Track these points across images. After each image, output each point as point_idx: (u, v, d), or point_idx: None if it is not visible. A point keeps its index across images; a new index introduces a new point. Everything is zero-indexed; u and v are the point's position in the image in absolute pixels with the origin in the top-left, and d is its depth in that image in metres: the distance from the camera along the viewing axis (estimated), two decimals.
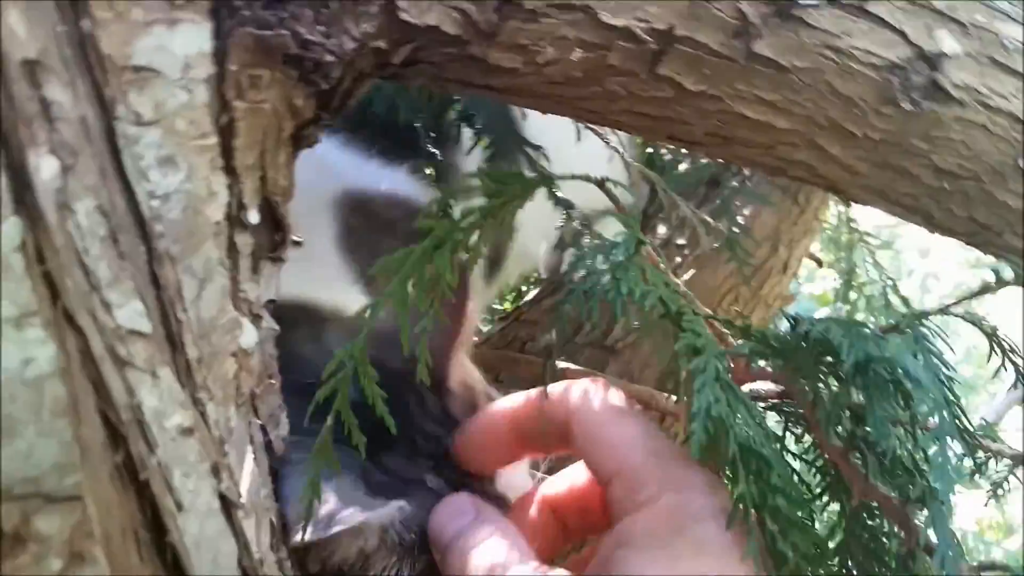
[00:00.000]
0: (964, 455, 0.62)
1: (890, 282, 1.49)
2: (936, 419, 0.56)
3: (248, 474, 0.44)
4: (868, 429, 0.53)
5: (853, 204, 1.57)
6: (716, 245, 0.84)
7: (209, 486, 0.39)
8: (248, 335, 0.45)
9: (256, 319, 0.47)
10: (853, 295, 1.50)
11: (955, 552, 0.52)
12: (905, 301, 1.34)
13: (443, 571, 0.53)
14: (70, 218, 0.33)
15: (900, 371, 0.55)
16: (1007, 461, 0.76)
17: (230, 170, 0.42)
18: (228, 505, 0.40)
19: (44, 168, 0.31)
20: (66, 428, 0.30)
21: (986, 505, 0.77)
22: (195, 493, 0.38)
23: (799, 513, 0.49)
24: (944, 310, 0.65)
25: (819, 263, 1.42)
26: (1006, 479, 0.74)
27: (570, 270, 0.57)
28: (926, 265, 3.97)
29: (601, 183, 0.86)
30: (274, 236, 0.49)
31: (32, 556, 0.30)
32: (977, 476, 0.74)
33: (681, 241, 1.13)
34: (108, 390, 0.33)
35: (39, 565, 0.30)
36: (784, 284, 1.18)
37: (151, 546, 0.35)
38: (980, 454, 0.74)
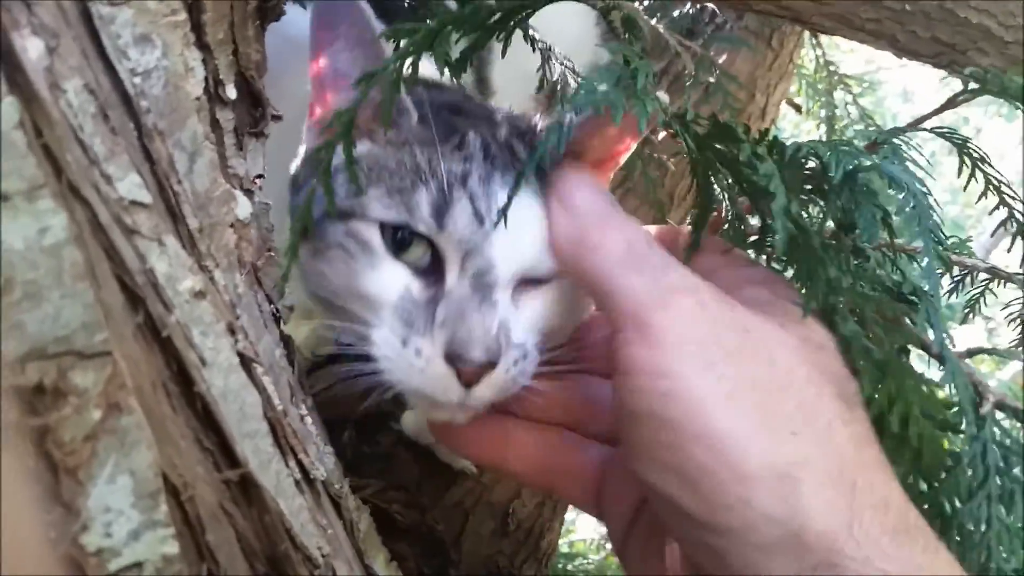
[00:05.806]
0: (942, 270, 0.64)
1: (871, 122, 1.50)
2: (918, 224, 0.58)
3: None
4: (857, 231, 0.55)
5: (828, 47, 1.56)
6: (702, 85, 0.84)
7: (227, 344, 0.42)
8: (243, 207, 0.47)
9: (248, 193, 0.49)
10: (835, 138, 1.50)
11: (948, 347, 0.54)
12: None
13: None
14: (61, 97, 0.34)
15: (887, 177, 0.56)
16: (983, 276, 0.78)
17: (203, 46, 0.43)
18: (247, 362, 0.43)
19: (31, 48, 0.33)
20: (87, 290, 0.33)
21: (964, 321, 0.80)
22: (215, 350, 0.41)
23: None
24: (917, 123, 0.66)
25: (798, 109, 1.43)
26: (982, 294, 0.77)
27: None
28: (909, 110, 3.95)
29: None
30: (253, 112, 0.50)
31: (74, 408, 0.33)
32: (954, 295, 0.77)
33: None
34: (121, 257, 0.36)
35: (81, 416, 0.33)
36: None
37: (181, 398, 0.39)
38: (956, 270, 0.77)
